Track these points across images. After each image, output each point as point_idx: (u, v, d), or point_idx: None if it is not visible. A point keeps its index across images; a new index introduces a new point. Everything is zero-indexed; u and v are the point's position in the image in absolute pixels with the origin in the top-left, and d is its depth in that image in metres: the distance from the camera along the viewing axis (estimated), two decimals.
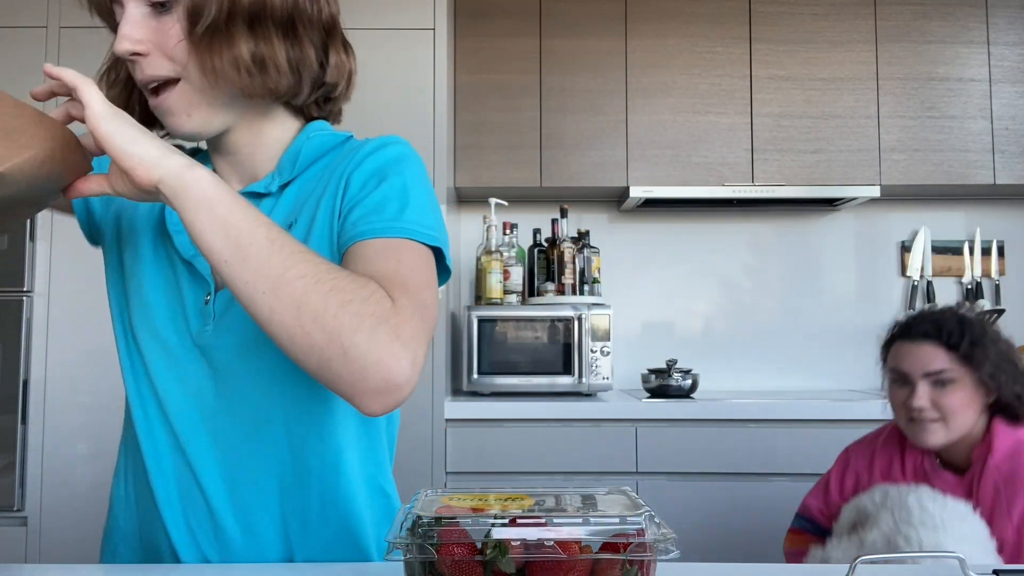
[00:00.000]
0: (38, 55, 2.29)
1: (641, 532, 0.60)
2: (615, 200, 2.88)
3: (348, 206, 0.80)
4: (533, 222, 2.80)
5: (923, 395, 1.40)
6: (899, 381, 1.46)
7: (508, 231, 2.65)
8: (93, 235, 0.96)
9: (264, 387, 0.83)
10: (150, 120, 0.84)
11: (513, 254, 2.62)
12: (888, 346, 1.51)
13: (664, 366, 2.52)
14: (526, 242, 2.76)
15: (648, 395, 2.49)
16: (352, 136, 0.91)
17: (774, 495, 2.23)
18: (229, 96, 0.80)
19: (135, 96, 0.85)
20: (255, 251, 0.66)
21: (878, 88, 2.63)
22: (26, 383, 2.22)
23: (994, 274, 2.87)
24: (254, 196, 0.86)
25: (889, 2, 2.65)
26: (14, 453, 2.18)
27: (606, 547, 0.60)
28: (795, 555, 1.59)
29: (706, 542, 2.21)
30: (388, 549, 0.59)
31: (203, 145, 0.93)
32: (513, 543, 0.58)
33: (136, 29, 0.75)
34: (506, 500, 0.67)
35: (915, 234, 2.90)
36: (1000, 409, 1.42)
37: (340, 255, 0.79)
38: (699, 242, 2.91)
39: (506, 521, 0.60)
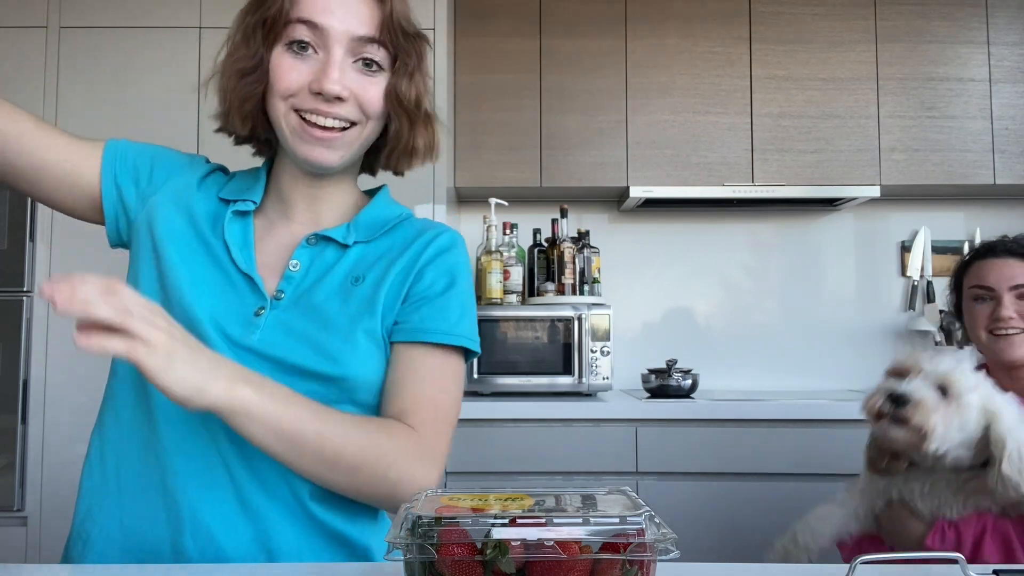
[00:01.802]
0: (38, 55, 2.29)
1: (641, 532, 0.60)
2: (615, 200, 2.88)
3: (417, 296, 0.92)
4: (533, 222, 2.81)
5: (1010, 306, 1.43)
6: (981, 298, 1.49)
7: (508, 231, 2.65)
8: (121, 234, 0.98)
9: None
10: (254, 127, 0.93)
11: (513, 254, 2.62)
12: (964, 268, 1.54)
13: (664, 366, 2.52)
14: (526, 242, 2.76)
15: (648, 395, 2.49)
16: (411, 214, 1.02)
17: (774, 495, 2.23)
18: (361, 153, 0.95)
19: (263, 102, 0.91)
20: (307, 447, 0.79)
21: (878, 88, 2.63)
22: (26, 383, 2.22)
23: None
24: (326, 240, 0.94)
25: (889, 2, 2.65)
26: (14, 453, 2.19)
27: (606, 547, 0.60)
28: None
29: (706, 542, 2.21)
30: (388, 549, 0.59)
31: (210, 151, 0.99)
32: (513, 543, 0.58)
33: (344, 77, 0.85)
34: (506, 500, 0.67)
35: (915, 234, 2.90)
36: None
37: (395, 329, 0.91)
38: (699, 242, 2.91)
39: (506, 521, 0.60)
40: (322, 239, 0.94)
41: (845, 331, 2.88)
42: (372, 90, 0.88)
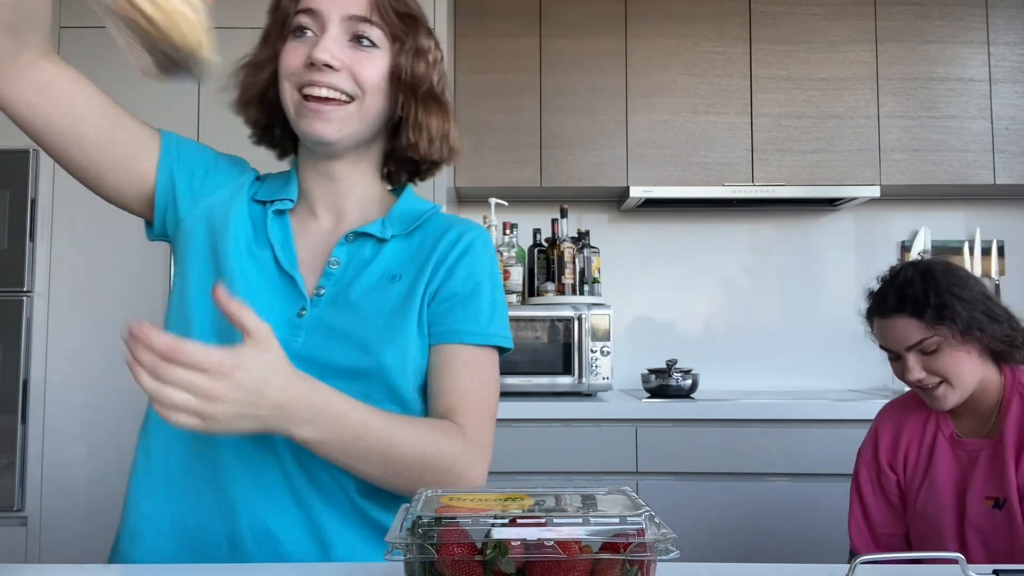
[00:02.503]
0: None
1: (641, 532, 0.60)
2: (615, 200, 2.88)
3: (447, 296, 0.94)
4: (533, 222, 2.81)
5: (915, 367, 1.38)
6: (891, 356, 1.45)
7: (508, 231, 2.65)
8: (166, 228, 0.99)
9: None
10: (269, 121, 0.99)
11: (513, 254, 2.62)
12: (870, 319, 1.49)
13: (664, 366, 2.52)
14: (526, 242, 2.76)
15: (648, 395, 2.49)
16: (439, 209, 1.04)
17: (774, 495, 2.23)
18: (372, 135, 0.97)
19: (264, 91, 0.97)
20: (371, 463, 0.82)
21: (878, 88, 2.63)
22: (26, 383, 2.22)
23: (994, 274, 2.87)
24: (364, 236, 0.96)
25: (889, 2, 2.65)
26: (14, 453, 2.19)
27: (606, 547, 0.60)
28: None
29: (706, 542, 2.21)
30: (388, 549, 0.59)
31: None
32: (513, 543, 0.58)
33: (336, 48, 0.89)
34: (506, 500, 0.67)
35: (915, 234, 2.90)
36: (998, 355, 1.38)
37: (430, 331, 0.93)
38: (699, 242, 2.91)
39: (506, 521, 0.60)
40: (360, 235, 0.96)
41: (845, 331, 2.88)
42: (366, 63, 0.91)
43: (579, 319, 2.42)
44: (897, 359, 1.43)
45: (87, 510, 2.19)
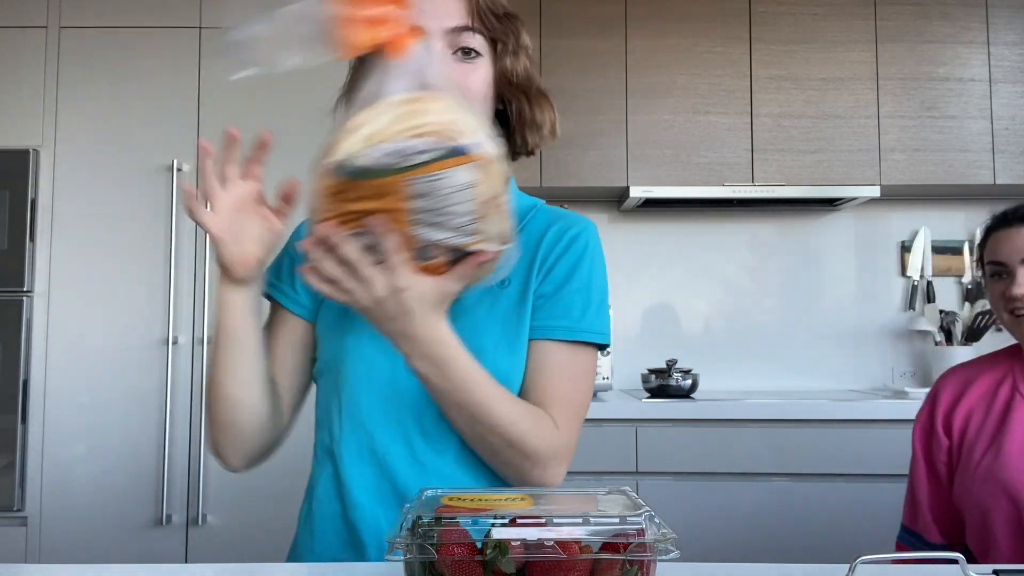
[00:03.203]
0: (38, 55, 2.29)
1: (641, 532, 0.60)
2: (615, 200, 2.88)
3: (545, 292, 0.95)
4: None
5: (1023, 282, 1.27)
6: (998, 275, 1.34)
7: None
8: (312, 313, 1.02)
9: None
10: None
11: None
12: (984, 242, 1.40)
13: (664, 366, 2.52)
14: None
15: (648, 395, 2.49)
16: (543, 204, 1.05)
17: (774, 495, 2.23)
18: None
19: None
20: (465, 413, 0.85)
21: (878, 88, 2.63)
22: (26, 383, 2.22)
23: None
24: None
25: (889, 2, 2.65)
26: (14, 453, 2.18)
27: (606, 547, 0.60)
28: None
29: (706, 542, 2.21)
30: (388, 549, 0.59)
31: None
32: (513, 543, 0.58)
33: (446, 68, 0.88)
34: (506, 500, 0.67)
35: (915, 234, 2.90)
36: None
37: (530, 327, 0.94)
38: (699, 242, 2.91)
39: (506, 521, 0.60)
40: None
41: (845, 331, 2.88)
42: (472, 76, 0.91)
43: None
44: (1003, 278, 1.32)
45: (87, 510, 2.19)
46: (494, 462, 0.90)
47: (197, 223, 0.85)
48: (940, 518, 1.39)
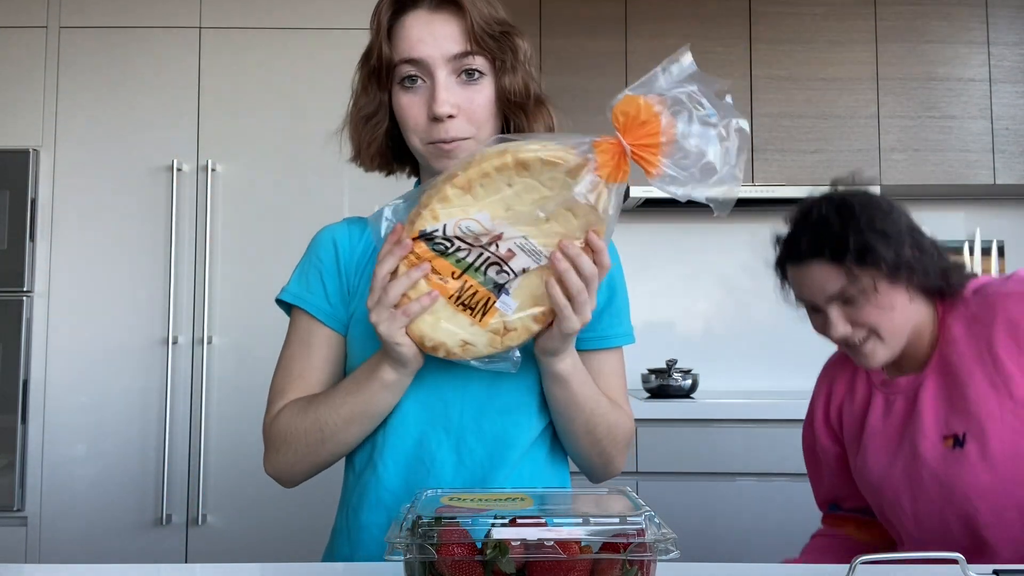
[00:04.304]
0: (38, 55, 2.29)
1: (641, 532, 0.60)
2: None
3: (601, 301, 1.01)
4: None
5: (838, 321, 1.18)
6: (810, 309, 1.27)
7: None
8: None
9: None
10: (392, 156, 1.03)
11: None
12: (782, 267, 1.31)
13: (664, 366, 2.52)
14: None
15: (648, 395, 2.49)
16: None
17: (774, 495, 2.23)
18: None
19: (387, 140, 1.01)
20: (590, 402, 0.95)
21: (878, 88, 2.63)
22: (26, 383, 2.22)
23: (994, 274, 2.87)
24: None
25: (889, 2, 2.65)
26: (14, 453, 2.18)
27: (606, 547, 0.60)
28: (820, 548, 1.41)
29: (706, 542, 2.21)
30: (388, 549, 0.59)
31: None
32: (513, 543, 0.58)
33: (451, 94, 0.92)
34: (506, 500, 0.67)
35: None
36: (933, 292, 1.20)
37: (591, 332, 0.99)
38: (699, 242, 2.91)
39: (506, 521, 0.60)
40: None
41: None
42: (477, 98, 0.94)
43: None
44: (817, 312, 1.24)
45: (87, 510, 2.19)
46: (590, 455, 0.99)
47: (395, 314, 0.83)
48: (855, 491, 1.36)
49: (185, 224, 2.26)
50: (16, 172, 2.23)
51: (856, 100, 2.62)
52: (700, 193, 0.81)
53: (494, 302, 0.83)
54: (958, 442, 1.15)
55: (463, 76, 0.93)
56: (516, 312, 0.83)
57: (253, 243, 2.26)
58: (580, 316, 0.83)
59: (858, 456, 1.29)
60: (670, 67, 0.83)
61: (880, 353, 1.18)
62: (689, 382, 2.47)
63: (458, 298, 0.83)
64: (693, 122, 0.84)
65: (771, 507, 2.22)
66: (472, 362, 0.85)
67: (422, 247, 0.82)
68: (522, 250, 0.81)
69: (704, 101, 0.84)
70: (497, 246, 0.81)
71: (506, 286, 0.82)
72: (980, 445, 1.12)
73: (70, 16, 2.30)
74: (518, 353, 0.86)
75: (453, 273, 0.82)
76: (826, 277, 1.17)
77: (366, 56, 0.98)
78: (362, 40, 1.00)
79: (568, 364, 0.91)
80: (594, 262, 0.82)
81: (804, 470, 2.23)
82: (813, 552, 1.41)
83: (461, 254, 0.81)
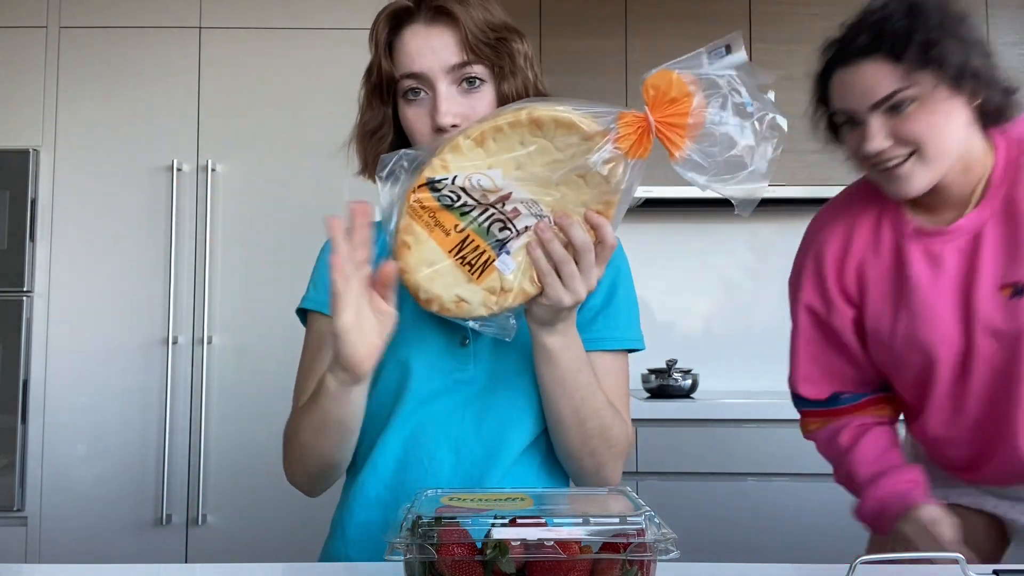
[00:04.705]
0: (38, 55, 2.29)
1: (641, 532, 0.60)
2: None
3: (595, 302, 1.02)
4: None
5: (877, 133, 1.03)
6: (849, 122, 1.12)
7: None
8: None
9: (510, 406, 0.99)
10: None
11: None
12: (825, 79, 1.17)
13: (664, 366, 2.52)
14: None
15: (648, 395, 2.49)
16: None
17: (774, 495, 2.23)
18: None
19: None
20: (581, 390, 0.91)
21: None
22: (26, 383, 2.22)
23: None
24: None
25: None
26: (14, 453, 2.18)
27: (606, 547, 0.60)
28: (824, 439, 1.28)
29: (706, 542, 2.21)
30: (388, 549, 0.59)
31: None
32: (513, 543, 0.58)
33: (453, 105, 0.92)
34: (506, 500, 0.67)
35: None
36: (989, 117, 1.05)
37: (587, 333, 0.97)
38: (699, 242, 2.91)
39: (506, 521, 0.60)
40: None
41: None
42: (479, 106, 0.95)
43: None
44: (855, 127, 1.10)
45: (87, 510, 2.19)
46: (580, 454, 0.94)
47: (333, 304, 0.78)
48: (843, 382, 1.24)
49: (185, 224, 2.26)
50: (16, 172, 2.23)
51: None
52: (722, 187, 0.78)
53: (493, 260, 0.81)
54: (1018, 291, 1.02)
55: (464, 85, 0.94)
56: (513, 272, 0.81)
57: (253, 243, 2.26)
58: (570, 290, 0.81)
59: (897, 322, 1.11)
60: (717, 50, 0.78)
61: (919, 177, 1.03)
62: (689, 382, 2.47)
63: (459, 251, 0.81)
64: (727, 109, 0.79)
65: (772, 507, 2.22)
66: (468, 323, 0.83)
67: (427, 196, 0.80)
68: (529, 211, 0.80)
69: (742, 90, 0.79)
70: (503, 204, 0.80)
71: (507, 244, 0.81)
72: None
73: (70, 16, 2.30)
74: (514, 320, 0.84)
75: (456, 226, 0.81)
76: (879, 77, 1.02)
77: (368, 73, 0.99)
78: (362, 40, 1.01)
79: (558, 341, 0.88)
80: (596, 239, 0.81)
81: (805, 470, 2.23)
82: (871, 448, 1.24)
83: (467, 208, 0.80)
